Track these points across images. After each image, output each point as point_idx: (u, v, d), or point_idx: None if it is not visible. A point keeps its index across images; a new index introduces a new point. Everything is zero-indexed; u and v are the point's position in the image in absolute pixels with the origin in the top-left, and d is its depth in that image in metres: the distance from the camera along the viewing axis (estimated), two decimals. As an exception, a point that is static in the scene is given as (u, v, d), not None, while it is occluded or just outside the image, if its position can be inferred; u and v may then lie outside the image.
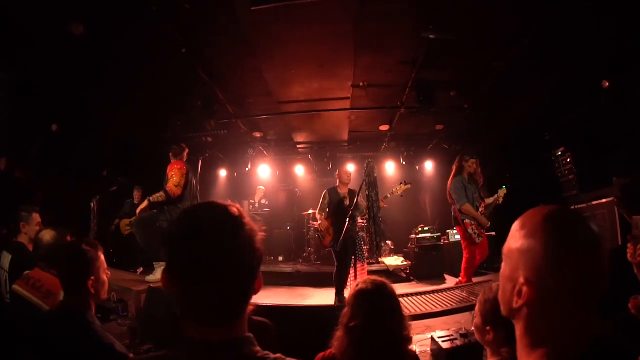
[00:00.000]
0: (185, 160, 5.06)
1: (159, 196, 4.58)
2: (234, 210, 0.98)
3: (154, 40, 4.91)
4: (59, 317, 1.92)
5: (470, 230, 5.28)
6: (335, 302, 5.25)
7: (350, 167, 11.08)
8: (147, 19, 4.43)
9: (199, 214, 0.99)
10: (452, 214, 5.61)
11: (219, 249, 0.91)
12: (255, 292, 1.01)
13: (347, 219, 5.13)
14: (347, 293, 5.05)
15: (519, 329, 0.90)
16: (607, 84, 5.12)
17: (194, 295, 0.92)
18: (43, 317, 2.21)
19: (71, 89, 5.85)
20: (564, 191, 6.44)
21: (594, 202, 5.66)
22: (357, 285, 2.00)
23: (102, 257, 2.10)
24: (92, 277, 1.98)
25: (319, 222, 5.90)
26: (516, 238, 0.92)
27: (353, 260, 5.31)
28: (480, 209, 5.44)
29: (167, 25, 4.63)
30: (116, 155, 7.67)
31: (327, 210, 5.94)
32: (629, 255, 2.09)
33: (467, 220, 5.31)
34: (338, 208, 5.82)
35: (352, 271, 5.24)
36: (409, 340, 1.91)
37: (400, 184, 6.04)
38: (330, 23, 4.81)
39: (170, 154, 5.00)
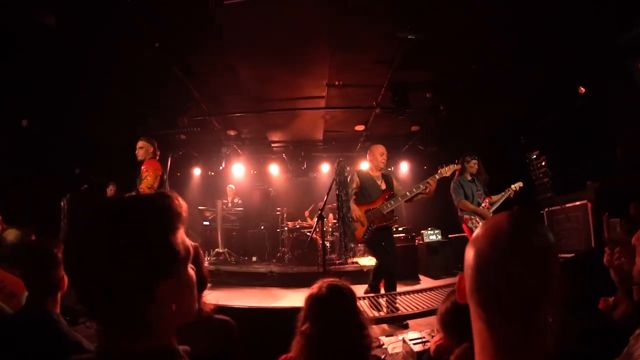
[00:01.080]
0: (157, 157, 4.96)
1: None
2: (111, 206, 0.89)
3: (127, 34, 4.75)
4: (25, 318, 1.88)
5: (470, 224, 5.42)
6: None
7: (325, 167, 11.07)
8: (120, 11, 4.29)
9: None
10: (458, 214, 5.67)
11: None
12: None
13: (385, 204, 4.90)
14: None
15: None
16: (584, 89, 5.23)
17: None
18: (8, 319, 2.16)
19: (41, 83, 5.62)
20: (538, 194, 6.55)
21: (567, 205, 5.77)
22: (312, 288, 1.93)
23: None
24: (59, 277, 1.92)
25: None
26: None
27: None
28: (484, 204, 5.53)
29: (140, 19, 4.48)
30: (88, 152, 7.43)
31: (355, 196, 5.26)
32: (605, 260, 2.08)
33: (466, 216, 5.46)
34: (372, 193, 5.24)
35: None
36: (368, 345, 1.86)
37: (450, 163, 5.32)
38: (306, 20, 4.75)
39: (140, 148, 4.89)
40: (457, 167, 5.29)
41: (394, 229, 7.51)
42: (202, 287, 2.06)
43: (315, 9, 4.50)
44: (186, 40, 5.11)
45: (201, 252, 2.19)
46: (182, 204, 0.92)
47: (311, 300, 1.87)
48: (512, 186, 5.66)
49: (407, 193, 5.10)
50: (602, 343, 1.82)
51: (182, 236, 0.89)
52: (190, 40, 5.14)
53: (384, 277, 5.06)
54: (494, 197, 5.64)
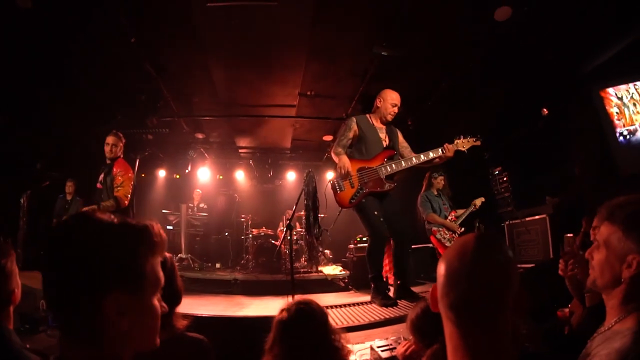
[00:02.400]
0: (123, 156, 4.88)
1: (109, 206, 4.43)
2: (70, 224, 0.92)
3: (100, 26, 4.63)
4: None
5: (438, 236, 5.56)
6: (370, 297, 4.46)
7: (291, 175, 11.06)
8: (98, 2, 4.20)
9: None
10: (425, 227, 5.79)
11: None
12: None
13: (385, 166, 4.34)
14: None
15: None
16: (547, 111, 5.49)
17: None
18: None
19: (4, 73, 5.40)
20: (500, 207, 6.81)
21: (527, 219, 6.05)
22: (281, 312, 1.88)
23: (14, 262, 1.78)
24: (8, 291, 1.71)
25: (337, 159, 4.35)
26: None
27: (392, 235, 4.42)
28: (450, 217, 5.74)
29: (117, 10, 4.37)
30: (50, 147, 7.12)
31: (349, 146, 4.51)
32: (560, 270, 2.22)
33: (434, 228, 5.60)
34: (371, 147, 4.48)
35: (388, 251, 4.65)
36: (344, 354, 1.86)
37: (467, 137, 4.66)
38: (284, 28, 4.79)
39: (110, 145, 4.77)
40: (476, 143, 4.67)
41: (359, 239, 7.60)
42: (175, 302, 1.99)
43: (294, 18, 4.55)
44: (161, 36, 5.03)
45: (175, 264, 2.11)
46: (160, 235, 0.97)
47: (280, 325, 1.83)
48: (475, 201, 5.94)
49: (414, 159, 4.48)
50: (560, 345, 1.96)
51: (153, 265, 0.94)
52: (165, 37, 5.06)
53: (378, 258, 4.42)
54: (459, 211, 5.86)
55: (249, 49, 5.29)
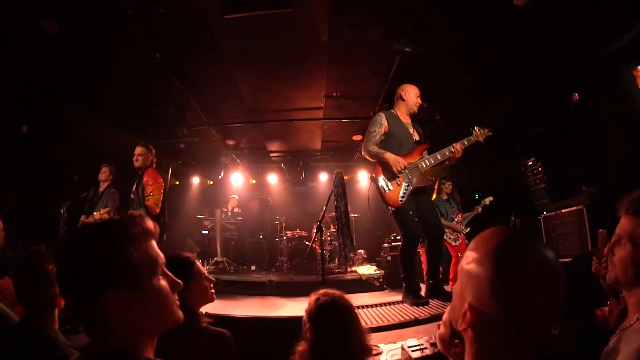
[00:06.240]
0: (155, 165, 5.04)
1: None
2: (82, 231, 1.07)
3: (128, 44, 4.84)
4: (20, 335, 1.83)
5: (445, 237, 5.62)
6: (402, 297, 4.39)
7: (324, 177, 11.11)
8: (122, 22, 4.37)
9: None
10: None
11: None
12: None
13: (424, 160, 4.21)
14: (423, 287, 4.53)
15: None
16: (577, 96, 5.31)
17: None
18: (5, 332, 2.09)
19: (40, 90, 5.67)
20: (534, 200, 6.62)
21: (563, 211, 5.82)
22: (317, 298, 1.99)
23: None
24: (53, 295, 1.85)
25: (384, 157, 4.15)
26: (468, 260, 0.92)
27: (425, 234, 4.37)
28: (457, 220, 6.31)
29: (141, 30, 4.57)
30: (88, 160, 7.44)
31: (382, 142, 4.33)
32: (593, 268, 2.14)
33: None
34: (404, 143, 4.35)
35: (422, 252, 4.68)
36: (369, 352, 1.91)
37: (482, 128, 4.57)
38: (302, 34, 4.83)
39: (139, 155, 4.93)
40: (489, 133, 4.56)
41: (393, 238, 7.57)
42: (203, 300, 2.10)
43: (312, 22, 4.59)
44: (185, 51, 5.17)
45: (202, 268, 2.21)
46: (139, 224, 1.02)
47: (318, 309, 1.94)
48: (484, 201, 6.47)
49: (448, 150, 4.30)
50: (596, 347, 1.89)
51: (143, 252, 0.99)
52: (189, 51, 5.21)
53: (411, 258, 4.33)
54: (466, 214, 6.52)
55: (271, 56, 5.36)
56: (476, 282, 0.88)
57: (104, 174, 5.53)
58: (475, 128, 4.53)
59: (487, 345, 0.86)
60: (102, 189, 5.47)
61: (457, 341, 0.95)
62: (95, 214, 5.01)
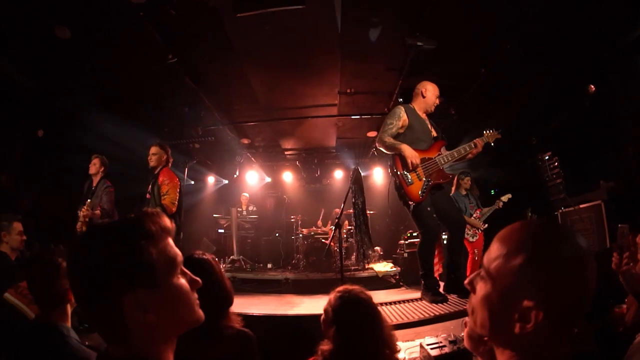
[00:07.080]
0: (170, 164, 5.04)
1: None
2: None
3: (140, 45, 4.88)
4: (33, 331, 1.85)
5: None
6: (420, 294, 4.38)
7: (339, 174, 11.08)
8: (133, 23, 4.41)
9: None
10: None
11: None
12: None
13: (443, 156, 4.14)
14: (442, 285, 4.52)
15: (510, 356, 0.86)
16: (594, 88, 5.18)
17: None
18: (17, 333, 2.11)
19: (56, 92, 5.77)
20: (551, 195, 6.51)
21: (581, 206, 5.71)
22: (339, 295, 1.98)
23: None
24: (64, 288, 1.86)
25: (400, 149, 4.08)
26: (504, 258, 0.86)
27: (447, 229, 4.43)
28: (475, 215, 6.25)
29: (153, 31, 4.60)
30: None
31: (401, 135, 4.23)
32: (613, 264, 2.09)
33: None
34: (423, 137, 4.29)
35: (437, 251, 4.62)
36: (393, 347, 1.89)
37: (491, 129, 4.49)
38: (314, 30, 4.81)
39: (154, 155, 4.93)
40: (498, 135, 4.47)
41: (409, 235, 7.49)
42: (224, 303, 2.06)
43: (323, 19, 4.57)
44: (198, 50, 5.20)
45: (220, 268, 2.16)
46: (155, 221, 0.97)
47: (341, 304, 1.93)
48: (502, 198, 6.34)
49: (465, 147, 4.28)
50: (613, 344, 1.84)
51: (160, 250, 0.94)
52: (202, 51, 5.23)
53: (429, 255, 4.24)
54: (485, 209, 6.39)
55: (283, 53, 5.35)
56: (530, 277, 0.82)
57: (94, 165, 5.16)
58: (486, 130, 4.48)
59: (548, 345, 0.82)
60: (95, 182, 5.16)
61: (486, 338, 0.92)
62: (79, 212, 4.81)
